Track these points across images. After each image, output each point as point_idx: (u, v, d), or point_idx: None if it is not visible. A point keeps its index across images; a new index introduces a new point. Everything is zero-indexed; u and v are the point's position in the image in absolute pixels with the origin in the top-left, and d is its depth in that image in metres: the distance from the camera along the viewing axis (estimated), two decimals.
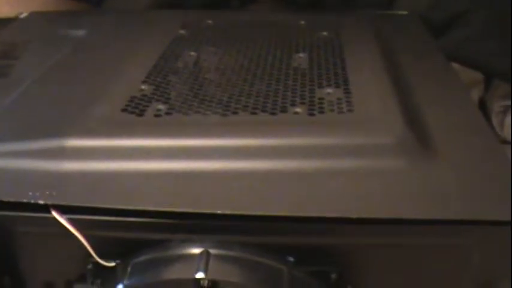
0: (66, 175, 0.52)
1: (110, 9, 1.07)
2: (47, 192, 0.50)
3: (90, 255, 0.50)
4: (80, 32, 0.85)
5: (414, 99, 0.64)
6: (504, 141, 1.01)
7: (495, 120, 1.04)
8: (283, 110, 0.59)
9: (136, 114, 0.59)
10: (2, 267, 0.53)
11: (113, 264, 0.50)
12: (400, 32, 0.86)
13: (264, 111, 0.59)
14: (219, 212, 0.48)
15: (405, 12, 0.95)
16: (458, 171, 0.52)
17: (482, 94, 1.09)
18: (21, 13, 0.97)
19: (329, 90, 0.63)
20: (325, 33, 0.80)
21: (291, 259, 0.49)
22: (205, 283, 0.47)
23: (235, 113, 0.59)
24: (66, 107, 0.62)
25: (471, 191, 0.50)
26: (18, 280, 0.54)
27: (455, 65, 0.96)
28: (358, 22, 0.85)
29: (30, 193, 0.49)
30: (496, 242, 0.49)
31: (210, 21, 0.86)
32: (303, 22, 0.84)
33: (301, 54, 0.73)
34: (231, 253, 0.48)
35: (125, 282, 0.48)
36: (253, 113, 0.58)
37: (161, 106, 0.60)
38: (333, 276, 0.50)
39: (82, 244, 0.49)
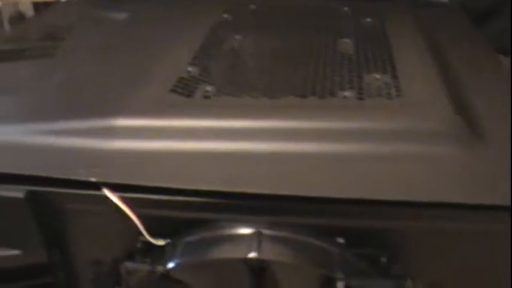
0: (116, 154, 0.53)
1: None
2: (98, 170, 0.50)
3: (140, 234, 0.50)
4: (123, 15, 0.86)
5: (460, 86, 0.63)
6: None
7: None
8: (332, 94, 0.59)
9: (185, 95, 0.59)
10: (51, 240, 0.53)
11: (163, 243, 0.51)
12: (442, 20, 0.85)
13: (313, 94, 0.59)
14: (269, 192, 0.48)
15: (446, 0, 0.94)
16: (506, 157, 0.52)
17: None
18: None
19: (376, 75, 0.63)
20: (368, 19, 0.79)
21: (342, 241, 0.49)
22: (256, 263, 0.47)
23: (284, 96, 0.59)
24: (114, 87, 0.63)
25: None
26: (67, 257, 0.55)
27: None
28: (400, 9, 0.85)
29: (81, 170, 0.50)
30: None
31: (253, 6, 0.86)
32: (346, 8, 0.84)
33: (346, 40, 0.73)
34: (283, 234, 0.48)
35: (177, 260, 0.49)
36: (303, 96, 0.58)
37: (209, 88, 0.60)
38: (383, 259, 0.50)
39: (131, 222, 0.49)
